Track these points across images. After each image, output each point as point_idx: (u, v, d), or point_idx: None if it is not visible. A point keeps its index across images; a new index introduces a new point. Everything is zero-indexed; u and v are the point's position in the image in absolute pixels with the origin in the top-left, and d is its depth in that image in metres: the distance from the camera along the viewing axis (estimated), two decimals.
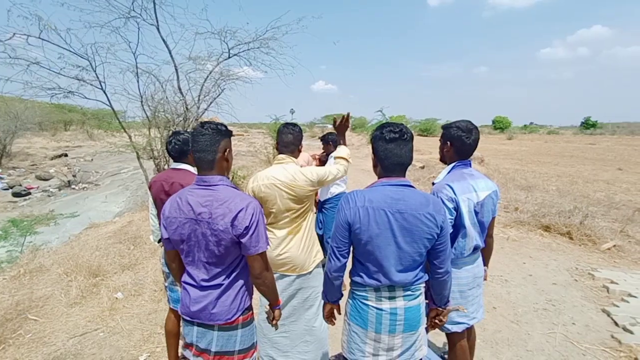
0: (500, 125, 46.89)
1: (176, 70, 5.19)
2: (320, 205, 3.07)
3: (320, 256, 1.77)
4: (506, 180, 8.35)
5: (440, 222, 1.14)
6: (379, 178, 1.24)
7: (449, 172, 1.53)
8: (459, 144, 1.51)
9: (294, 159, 1.70)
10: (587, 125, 45.31)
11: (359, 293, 1.23)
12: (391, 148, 1.18)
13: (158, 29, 4.70)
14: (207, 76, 5.52)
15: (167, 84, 5.36)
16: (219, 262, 1.18)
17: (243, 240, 1.12)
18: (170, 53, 4.97)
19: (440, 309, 1.36)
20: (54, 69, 4.37)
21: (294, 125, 1.74)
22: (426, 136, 35.82)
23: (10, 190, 10.46)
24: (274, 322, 1.37)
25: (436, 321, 1.39)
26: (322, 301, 1.40)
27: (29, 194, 10.54)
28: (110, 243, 3.89)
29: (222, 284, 1.19)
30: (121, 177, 13.30)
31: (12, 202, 9.76)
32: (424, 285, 1.26)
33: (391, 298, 1.19)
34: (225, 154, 1.21)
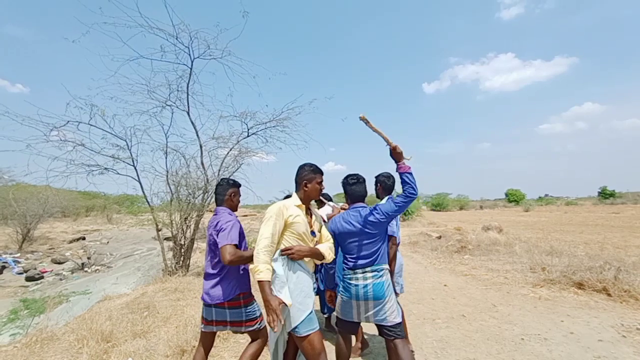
0: (514, 198, 46.09)
1: (201, 148, 5.78)
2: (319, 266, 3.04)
3: None
4: (529, 247, 7.96)
5: (369, 221, 1.86)
6: (349, 206, 2.06)
7: (388, 200, 2.28)
8: (384, 185, 2.58)
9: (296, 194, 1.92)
10: (605, 194, 44.09)
11: (345, 275, 1.93)
12: (354, 188, 2.03)
13: (188, 114, 5.45)
14: (228, 152, 6.09)
15: (191, 160, 5.91)
16: (213, 258, 1.94)
17: (217, 237, 1.84)
18: (197, 133, 5.64)
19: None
20: (95, 149, 4.96)
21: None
22: (439, 211, 35.56)
23: (25, 275, 10.49)
24: None
25: None
26: None
27: (42, 277, 10.50)
28: (123, 313, 3.78)
29: (218, 275, 1.91)
30: (134, 259, 13.30)
31: (24, 286, 9.70)
32: (386, 268, 1.92)
33: (364, 278, 1.86)
34: (231, 196, 2.11)
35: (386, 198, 2.53)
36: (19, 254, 12.60)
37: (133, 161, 5.30)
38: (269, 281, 1.60)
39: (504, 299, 4.03)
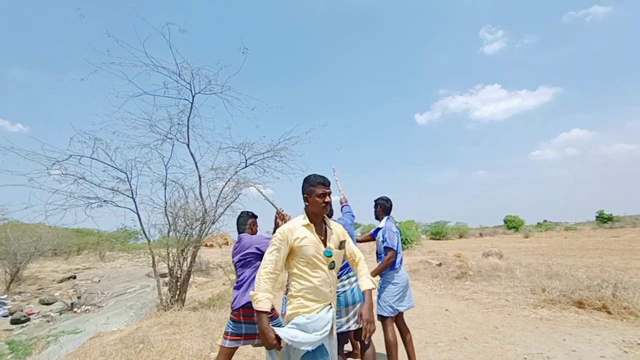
0: (513, 225, 45.72)
1: (199, 179, 5.91)
2: None
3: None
4: (530, 272, 7.90)
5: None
6: None
7: (387, 220, 2.76)
8: (384, 207, 2.83)
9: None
10: (603, 218, 43.89)
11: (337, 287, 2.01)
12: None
13: (188, 146, 5.64)
14: (226, 183, 6.20)
15: (189, 191, 6.00)
16: (240, 274, 2.29)
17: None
18: (196, 165, 5.79)
19: None
20: (95, 182, 5.06)
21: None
22: (439, 239, 35.09)
23: (10, 317, 10.03)
24: None
25: None
26: None
27: (28, 320, 10.02)
28: (117, 348, 3.66)
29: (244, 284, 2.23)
30: (126, 297, 12.83)
31: (8, 330, 9.23)
32: (353, 275, 2.27)
33: (350, 283, 2.22)
34: (251, 225, 2.55)
35: (385, 219, 2.78)
36: (5, 296, 12.10)
37: (132, 193, 5.38)
38: (267, 312, 1.53)
39: (505, 320, 3.98)
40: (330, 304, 1.65)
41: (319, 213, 1.70)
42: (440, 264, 10.80)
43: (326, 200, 1.68)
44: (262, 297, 1.52)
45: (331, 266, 1.65)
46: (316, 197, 1.67)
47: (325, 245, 1.66)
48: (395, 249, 2.57)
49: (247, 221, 2.52)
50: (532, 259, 12.57)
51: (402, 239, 18.75)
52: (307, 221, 1.67)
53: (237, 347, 2.19)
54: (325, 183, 1.71)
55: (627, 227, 34.42)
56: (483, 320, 4.05)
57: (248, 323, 2.14)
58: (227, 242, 26.68)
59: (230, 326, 2.16)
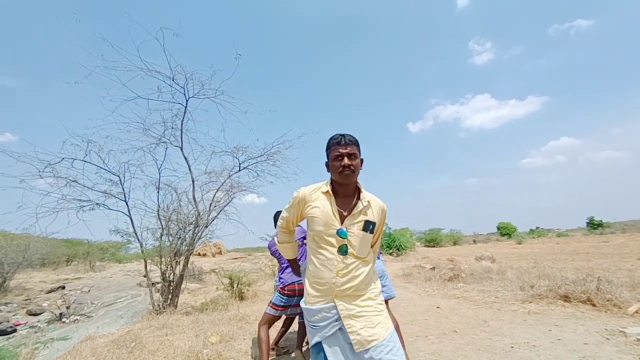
0: (506, 231, 45.99)
1: (193, 182, 5.94)
2: None
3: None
4: (521, 274, 8.01)
5: None
6: None
7: None
8: None
9: None
10: (593, 224, 44.53)
11: None
12: None
13: (182, 150, 5.68)
14: (219, 187, 6.24)
15: (183, 195, 6.02)
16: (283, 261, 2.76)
17: None
18: (189, 168, 5.82)
19: None
20: (87, 185, 5.06)
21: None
22: (433, 247, 35.15)
23: None
24: None
25: None
26: None
27: (15, 331, 9.72)
28: (109, 349, 3.64)
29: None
30: (117, 307, 12.56)
31: None
32: None
33: None
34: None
35: None
36: None
37: (125, 196, 5.38)
38: (294, 258, 1.75)
39: (494, 315, 4.06)
40: (334, 304, 1.30)
41: (340, 182, 1.38)
42: (433, 268, 10.86)
43: (344, 163, 1.34)
44: (282, 249, 1.68)
45: (342, 250, 1.31)
46: (333, 160, 1.38)
47: (342, 222, 1.34)
48: None
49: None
50: (524, 263, 12.75)
51: (396, 246, 18.73)
52: (327, 187, 1.39)
53: (280, 316, 2.73)
54: (341, 142, 1.37)
55: (617, 233, 35.00)
56: (473, 315, 4.12)
57: (300, 296, 2.56)
58: (221, 252, 26.35)
59: (281, 299, 2.65)
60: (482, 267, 9.07)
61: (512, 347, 2.93)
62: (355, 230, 1.33)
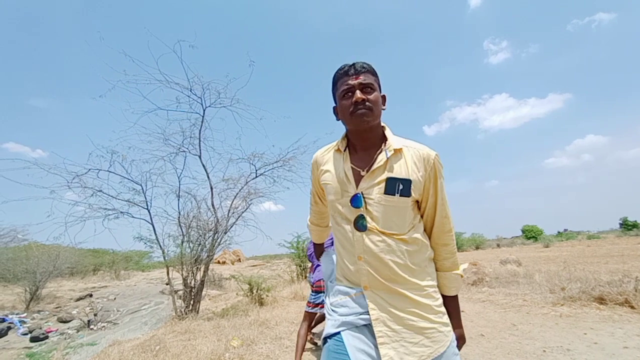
0: (531, 234, 43.73)
1: (211, 189, 6.07)
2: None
3: None
4: (550, 277, 7.63)
5: None
6: None
7: None
8: None
9: None
10: (627, 225, 42.06)
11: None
12: None
13: (200, 158, 5.84)
14: (237, 193, 6.34)
15: (202, 202, 6.15)
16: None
17: None
18: (207, 176, 5.96)
19: None
20: (112, 194, 5.27)
21: None
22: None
23: (29, 335, 10.21)
24: None
25: None
26: None
27: (47, 337, 10.17)
28: (134, 353, 3.73)
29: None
30: (141, 314, 12.91)
31: (28, 347, 9.39)
32: None
33: None
34: None
35: None
36: (25, 314, 12.33)
37: (147, 204, 5.56)
38: (319, 243, 1.46)
39: (523, 318, 3.88)
40: (362, 291, 0.89)
41: (355, 128, 0.96)
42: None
43: (356, 98, 0.91)
44: (310, 230, 1.41)
45: (359, 224, 0.90)
46: (341, 99, 0.96)
47: (357, 185, 0.93)
48: None
49: None
50: (552, 266, 12.16)
51: None
52: (341, 143, 1.02)
53: (317, 313, 2.79)
54: (349, 72, 0.95)
55: None
56: (500, 319, 3.96)
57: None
58: (240, 259, 26.71)
59: (312, 296, 2.77)
60: (508, 271, 8.74)
61: (545, 350, 2.78)
62: (375, 195, 0.90)
